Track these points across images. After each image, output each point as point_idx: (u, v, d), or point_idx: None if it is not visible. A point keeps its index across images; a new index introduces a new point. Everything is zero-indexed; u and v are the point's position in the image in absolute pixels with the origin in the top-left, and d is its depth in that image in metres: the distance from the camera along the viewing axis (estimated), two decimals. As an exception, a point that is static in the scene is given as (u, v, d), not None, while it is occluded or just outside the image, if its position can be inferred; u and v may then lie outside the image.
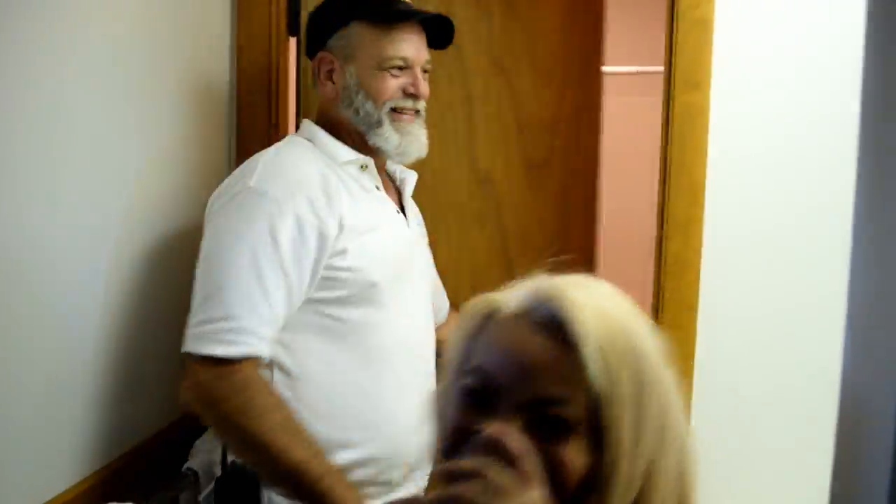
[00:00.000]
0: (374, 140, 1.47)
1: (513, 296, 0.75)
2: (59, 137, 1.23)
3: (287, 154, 1.44)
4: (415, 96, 1.48)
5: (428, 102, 1.51)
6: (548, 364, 0.69)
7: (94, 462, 1.36)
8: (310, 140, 1.49)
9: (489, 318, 0.75)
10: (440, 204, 1.90)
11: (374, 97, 1.46)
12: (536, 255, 2.04)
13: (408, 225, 1.55)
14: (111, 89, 1.37)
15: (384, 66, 1.46)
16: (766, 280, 1.67)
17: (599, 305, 0.71)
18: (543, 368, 0.69)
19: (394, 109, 1.47)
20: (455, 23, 1.54)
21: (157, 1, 1.51)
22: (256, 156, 1.44)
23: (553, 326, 0.70)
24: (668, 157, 1.69)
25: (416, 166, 1.62)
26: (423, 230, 1.67)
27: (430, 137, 1.98)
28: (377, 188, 1.50)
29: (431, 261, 1.67)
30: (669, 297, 1.70)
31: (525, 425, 0.68)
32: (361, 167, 1.48)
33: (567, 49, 2.02)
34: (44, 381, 1.22)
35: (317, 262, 1.35)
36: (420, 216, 1.67)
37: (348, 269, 1.38)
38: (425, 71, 1.50)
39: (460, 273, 1.96)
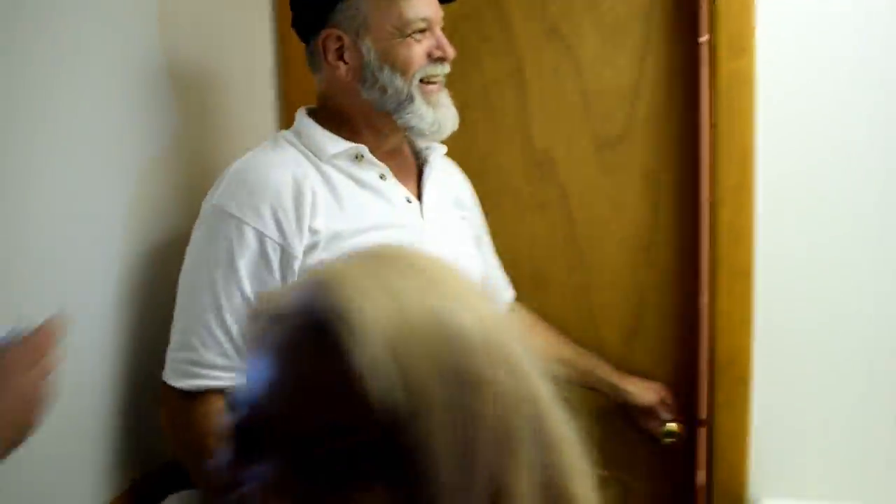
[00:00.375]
0: (406, 119, 1.31)
1: (288, 292, 0.56)
2: (76, 133, 1.18)
3: (257, 160, 1.30)
4: (442, 59, 1.32)
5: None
6: (322, 381, 0.50)
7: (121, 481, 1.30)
8: (297, 135, 1.34)
9: (267, 324, 0.55)
10: (491, 190, 1.71)
11: (403, 69, 1.29)
12: (616, 245, 1.85)
13: (422, 213, 1.36)
14: (153, 80, 1.33)
15: (406, 32, 1.29)
16: (822, 243, 1.64)
17: (395, 288, 0.52)
18: (316, 388, 0.50)
19: (421, 80, 1.31)
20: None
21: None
22: (234, 162, 1.32)
23: (329, 326, 0.50)
24: (717, 125, 1.64)
25: (460, 151, 1.48)
26: (467, 211, 1.49)
27: (475, 118, 1.79)
28: (382, 177, 1.33)
29: (480, 246, 1.50)
30: (723, 264, 1.66)
31: (299, 471, 0.49)
32: (356, 157, 1.31)
33: (645, 6, 1.75)
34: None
35: (283, 282, 1.23)
36: (463, 194, 1.49)
37: None
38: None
39: (518, 265, 1.75)
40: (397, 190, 1.34)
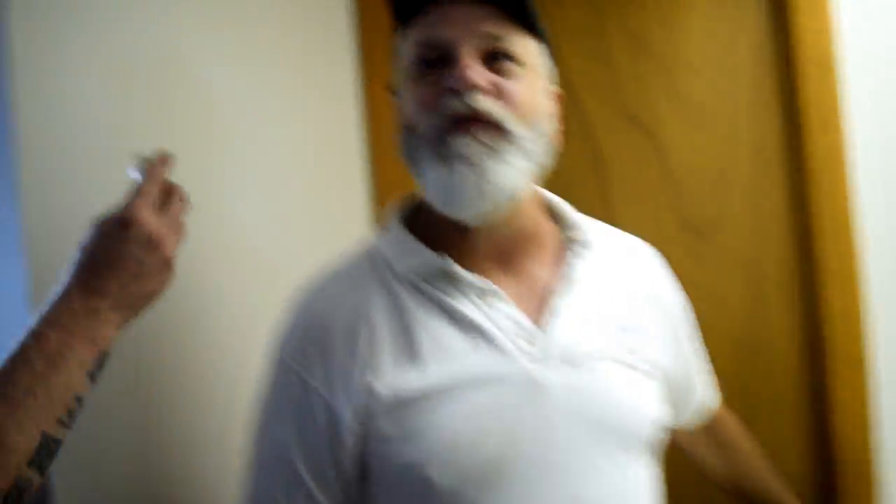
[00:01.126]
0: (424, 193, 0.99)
1: None
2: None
3: (318, 291, 0.97)
4: (455, 91, 0.93)
5: (548, 168, 1.07)
6: None
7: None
8: (380, 240, 0.99)
9: None
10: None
11: (408, 121, 1.00)
12: (717, 345, 1.68)
13: (536, 357, 0.90)
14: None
15: (411, 70, 0.98)
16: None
17: None
18: None
19: (449, 131, 0.95)
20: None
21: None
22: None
23: None
24: (811, 204, 1.56)
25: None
26: (639, 335, 0.99)
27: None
28: (482, 298, 0.91)
29: (669, 375, 1.06)
30: (833, 353, 1.55)
31: None
32: (443, 275, 0.92)
33: (730, 87, 1.65)
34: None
35: (334, 450, 0.89)
36: (638, 309, 1.01)
37: (397, 466, 0.88)
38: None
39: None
40: (507, 316, 0.91)
